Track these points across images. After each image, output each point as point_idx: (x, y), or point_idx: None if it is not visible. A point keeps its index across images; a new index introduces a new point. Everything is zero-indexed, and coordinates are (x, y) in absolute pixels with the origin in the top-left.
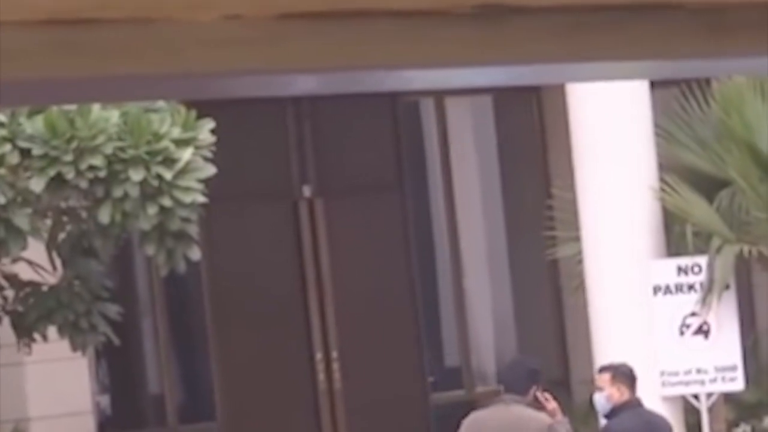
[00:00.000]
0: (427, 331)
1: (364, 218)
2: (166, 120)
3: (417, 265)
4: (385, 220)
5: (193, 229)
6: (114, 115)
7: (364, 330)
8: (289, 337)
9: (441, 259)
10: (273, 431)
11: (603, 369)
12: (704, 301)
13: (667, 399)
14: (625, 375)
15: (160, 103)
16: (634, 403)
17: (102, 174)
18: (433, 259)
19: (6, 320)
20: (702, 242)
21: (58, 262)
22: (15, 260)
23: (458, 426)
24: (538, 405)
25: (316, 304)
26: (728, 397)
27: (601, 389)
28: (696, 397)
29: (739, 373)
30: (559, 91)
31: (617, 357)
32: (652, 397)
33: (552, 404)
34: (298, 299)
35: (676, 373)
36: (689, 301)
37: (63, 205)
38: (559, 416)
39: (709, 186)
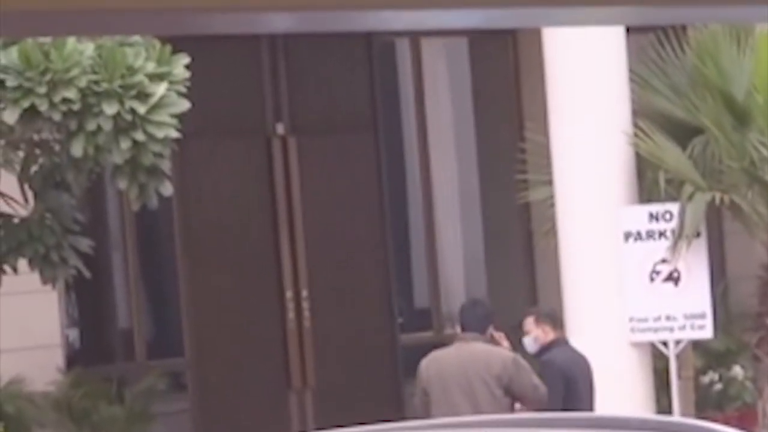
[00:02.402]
0: (398, 272)
1: (336, 157)
2: (140, 54)
3: (389, 205)
4: (357, 160)
5: (166, 164)
6: (89, 48)
7: (334, 269)
8: (259, 274)
9: (413, 200)
10: (241, 368)
11: (527, 313)
12: (675, 248)
13: (635, 345)
14: (547, 316)
15: (135, 38)
16: (561, 342)
17: (75, 107)
18: (404, 199)
19: None
20: (674, 189)
21: (29, 195)
22: None
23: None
24: (494, 343)
25: (287, 241)
26: (697, 345)
27: (527, 332)
28: (665, 344)
29: (708, 321)
30: (535, 35)
31: (587, 302)
32: (621, 342)
33: (505, 343)
34: (269, 236)
35: (645, 320)
36: (660, 247)
37: (36, 137)
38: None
39: (683, 133)
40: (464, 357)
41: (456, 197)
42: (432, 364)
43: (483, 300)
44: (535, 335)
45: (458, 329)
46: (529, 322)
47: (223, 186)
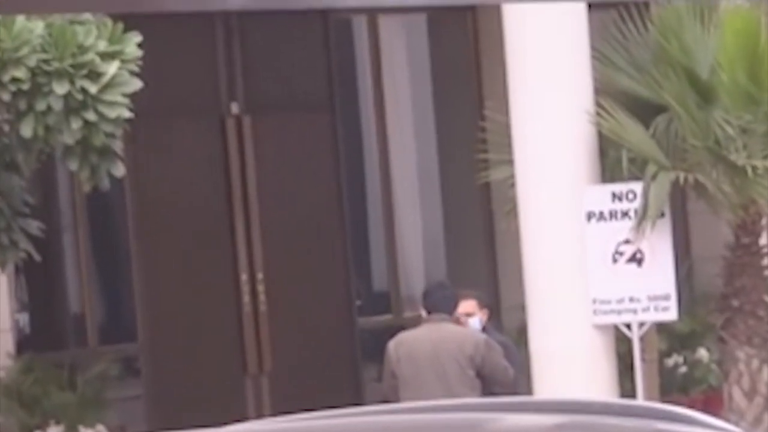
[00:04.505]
0: (356, 254)
1: (292, 137)
2: (92, 32)
3: (346, 186)
4: (314, 140)
5: (118, 145)
6: (38, 27)
7: (290, 252)
8: (214, 257)
9: (371, 180)
10: (195, 353)
11: (465, 296)
12: (638, 228)
13: (598, 327)
14: (485, 301)
15: (86, 16)
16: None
17: (25, 86)
18: (362, 180)
19: None
20: (637, 168)
21: None
22: None
23: (384, 349)
24: (460, 325)
25: (242, 224)
26: (661, 327)
27: (471, 314)
28: (628, 326)
29: (673, 303)
30: (495, 12)
31: (548, 284)
32: (584, 325)
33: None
34: (223, 219)
35: (608, 302)
36: (623, 228)
37: None
38: None
39: (646, 111)
40: (436, 338)
41: (415, 177)
42: (402, 346)
43: (447, 282)
44: (481, 317)
45: (423, 312)
46: (472, 305)
47: (177, 167)
